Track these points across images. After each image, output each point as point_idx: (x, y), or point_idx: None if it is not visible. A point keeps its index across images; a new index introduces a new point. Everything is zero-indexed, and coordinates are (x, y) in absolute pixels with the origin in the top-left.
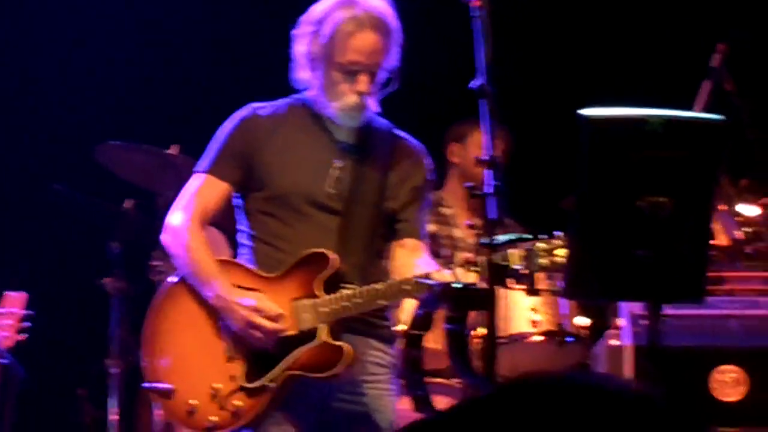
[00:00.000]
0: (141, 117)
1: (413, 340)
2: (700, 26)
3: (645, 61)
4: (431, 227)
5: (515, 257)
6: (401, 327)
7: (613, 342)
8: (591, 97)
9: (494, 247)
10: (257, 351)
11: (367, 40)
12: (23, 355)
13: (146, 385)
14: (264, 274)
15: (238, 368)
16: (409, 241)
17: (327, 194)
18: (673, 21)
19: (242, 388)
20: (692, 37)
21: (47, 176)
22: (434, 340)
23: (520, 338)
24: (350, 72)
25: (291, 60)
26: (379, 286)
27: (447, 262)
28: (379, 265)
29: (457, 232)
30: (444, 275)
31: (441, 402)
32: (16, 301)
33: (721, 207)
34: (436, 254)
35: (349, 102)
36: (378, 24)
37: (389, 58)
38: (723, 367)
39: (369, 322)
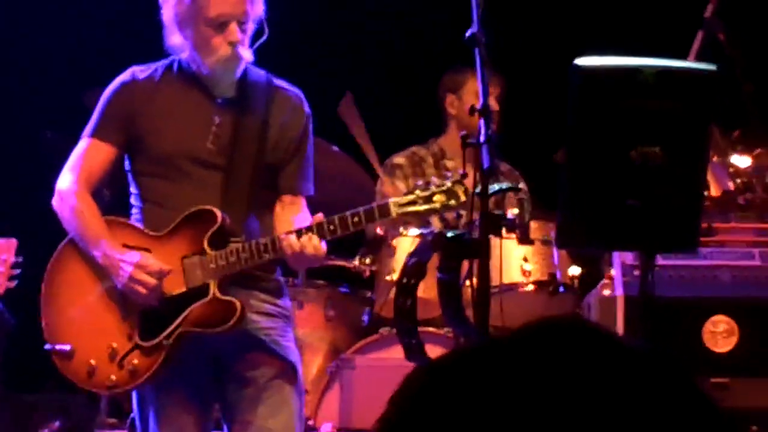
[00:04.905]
0: None
1: (406, 288)
2: None
3: (639, 10)
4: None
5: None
6: (394, 276)
7: (605, 292)
8: (584, 46)
9: (488, 197)
10: (151, 309)
11: None
12: (11, 302)
13: (47, 346)
14: (152, 233)
15: (133, 327)
16: (286, 197)
17: (208, 151)
18: None
19: (138, 347)
20: None
21: None
22: (425, 289)
23: (512, 288)
24: (219, 24)
25: (162, 27)
26: (263, 240)
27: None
28: (267, 216)
29: None
30: (291, 240)
31: (433, 351)
32: (5, 247)
33: (714, 158)
34: None
35: (223, 54)
36: None
37: (255, 6)
38: (715, 318)
39: (254, 276)
